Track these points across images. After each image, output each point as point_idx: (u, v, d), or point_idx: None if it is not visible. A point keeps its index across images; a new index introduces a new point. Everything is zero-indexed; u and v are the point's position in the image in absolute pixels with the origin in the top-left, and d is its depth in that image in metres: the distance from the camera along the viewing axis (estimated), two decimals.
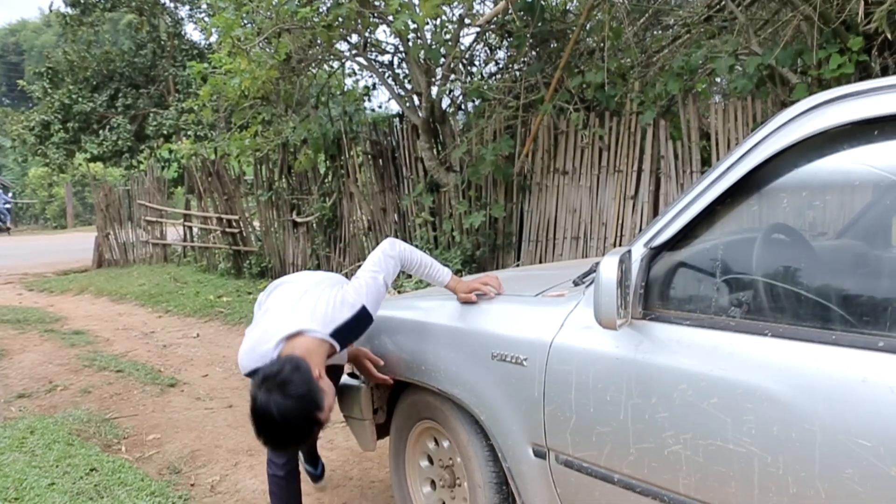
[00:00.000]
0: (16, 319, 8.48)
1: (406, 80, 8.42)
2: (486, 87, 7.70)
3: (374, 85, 9.82)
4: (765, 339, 1.69)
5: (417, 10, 6.22)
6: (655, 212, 5.96)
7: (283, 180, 9.97)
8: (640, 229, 5.90)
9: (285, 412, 2.26)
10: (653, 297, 1.98)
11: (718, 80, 7.10)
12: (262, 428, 2.32)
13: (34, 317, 8.81)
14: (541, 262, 6.90)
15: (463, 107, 8.49)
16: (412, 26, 6.72)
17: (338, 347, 2.53)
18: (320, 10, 6.88)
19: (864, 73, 4.65)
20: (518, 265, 7.03)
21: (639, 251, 1.99)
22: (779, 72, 5.18)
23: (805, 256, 1.90)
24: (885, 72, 4.81)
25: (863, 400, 1.47)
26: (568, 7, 7.72)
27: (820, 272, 1.86)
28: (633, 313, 1.95)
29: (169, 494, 3.53)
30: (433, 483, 2.91)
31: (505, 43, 8.44)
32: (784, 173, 1.81)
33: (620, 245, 6.14)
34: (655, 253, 1.98)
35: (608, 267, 1.84)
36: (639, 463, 1.89)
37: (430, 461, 2.91)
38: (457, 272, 6.99)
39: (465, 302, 2.63)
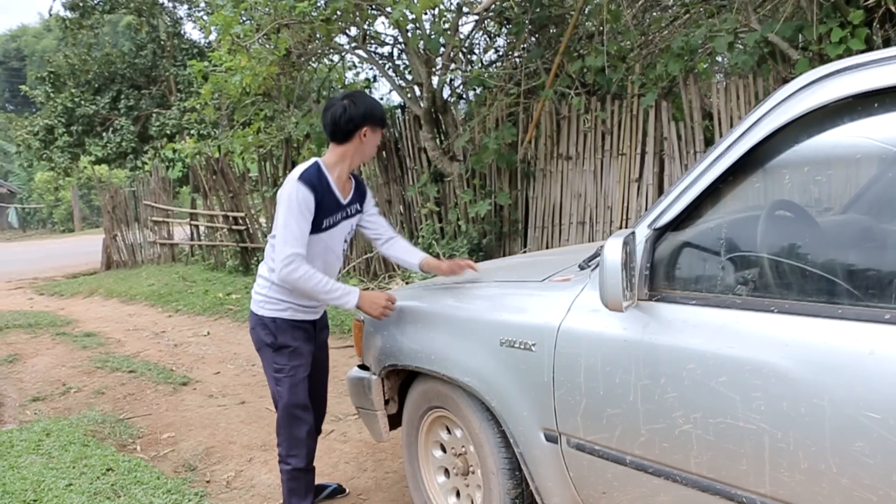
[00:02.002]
0: (27, 324, 8.52)
1: (406, 71, 8.41)
2: (486, 75, 7.70)
3: (374, 77, 9.82)
4: (771, 316, 1.69)
5: (415, 0, 6.21)
6: (660, 194, 5.95)
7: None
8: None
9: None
10: (658, 278, 1.98)
11: (719, 59, 7.07)
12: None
13: (45, 320, 8.85)
14: (547, 248, 6.90)
15: (464, 96, 8.49)
16: (410, 16, 6.71)
17: None
18: (318, 4, 6.87)
19: (865, 45, 4.62)
20: (525, 252, 7.03)
21: (643, 232, 1.99)
22: (780, 48, 5.15)
23: (809, 232, 1.90)
24: (886, 44, 4.78)
25: (871, 372, 1.47)
26: None
27: (824, 247, 1.85)
28: (638, 295, 1.95)
29: (185, 492, 3.56)
30: (447, 471, 2.92)
31: (504, 30, 8.43)
32: (786, 149, 1.80)
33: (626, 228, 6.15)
34: (659, 234, 1.98)
35: (612, 249, 1.84)
36: (650, 444, 1.90)
37: (443, 450, 2.92)
38: None
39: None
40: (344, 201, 2.96)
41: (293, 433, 3.00)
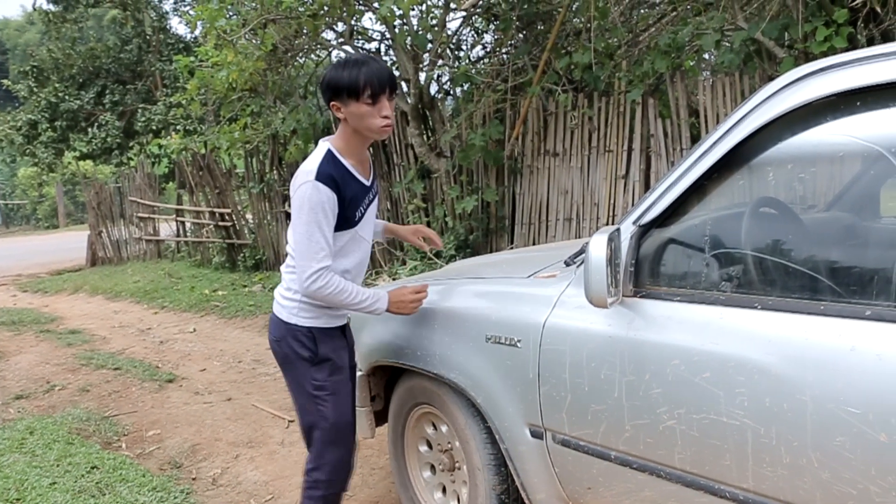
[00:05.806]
0: (11, 321, 8.45)
1: (394, 67, 8.39)
2: (473, 72, 7.69)
3: None
4: (755, 312, 1.70)
5: None
6: (647, 190, 5.97)
7: (275, 172, 9.94)
8: None
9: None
10: (643, 275, 1.99)
11: (706, 56, 7.10)
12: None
13: (29, 318, 8.79)
14: (534, 244, 6.91)
15: (451, 92, 8.47)
16: (397, 12, 6.70)
17: None
18: None
19: (850, 44, 4.66)
20: (512, 248, 7.04)
21: (628, 229, 2.00)
22: (766, 47, 5.18)
23: (793, 229, 1.91)
24: (871, 43, 4.81)
25: (851, 368, 1.49)
26: None
27: (807, 244, 1.87)
28: (623, 291, 1.96)
29: (171, 489, 3.55)
30: (433, 467, 2.93)
31: (491, 26, 8.42)
32: (770, 147, 1.82)
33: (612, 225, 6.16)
34: (644, 230, 1.99)
35: (597, 246, 1.84)
36: (634, 439, 1.91)
37: (429, 446, 2.93)
38: (451, 258, 7.00)
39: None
40: (367, 182, 2.56)
41: (339, 457, 2.62)
